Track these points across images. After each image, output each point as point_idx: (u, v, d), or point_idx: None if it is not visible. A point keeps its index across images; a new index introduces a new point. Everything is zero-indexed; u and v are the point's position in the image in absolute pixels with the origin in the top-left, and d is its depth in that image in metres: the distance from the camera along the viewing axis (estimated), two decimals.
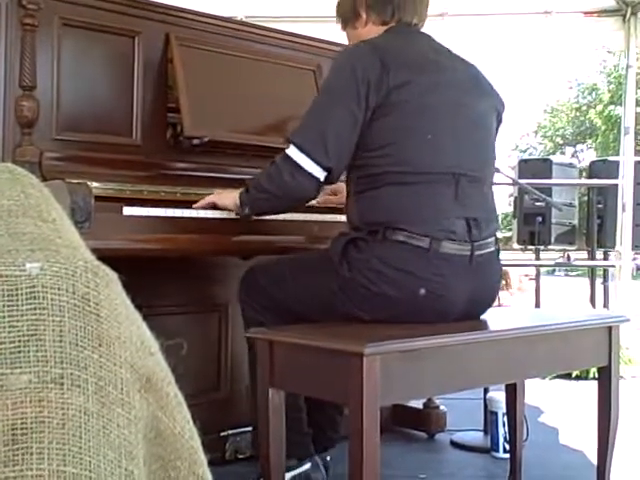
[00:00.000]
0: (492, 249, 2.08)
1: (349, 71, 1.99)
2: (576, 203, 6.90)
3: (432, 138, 2.00)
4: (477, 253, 2.00)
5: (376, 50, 2.02)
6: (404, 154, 1.99)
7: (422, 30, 2.25)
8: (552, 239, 6.58)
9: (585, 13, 5.60)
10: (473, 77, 2.19)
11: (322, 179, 2.03)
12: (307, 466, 2.22)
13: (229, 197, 2.18)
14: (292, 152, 2.01)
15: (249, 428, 2.56)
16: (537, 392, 3.93)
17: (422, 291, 1.93)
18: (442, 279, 1.95)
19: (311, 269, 2.13)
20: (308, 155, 1.99)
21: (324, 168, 2.01)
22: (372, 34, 2.16)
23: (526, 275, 12.20)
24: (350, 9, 2.23)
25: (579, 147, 33.26)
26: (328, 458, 2.35)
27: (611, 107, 27.74)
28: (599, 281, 6.75)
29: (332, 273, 2.01)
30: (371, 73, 1.97)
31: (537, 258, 6.96)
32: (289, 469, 2.14)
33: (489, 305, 2.15)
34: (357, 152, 2.03)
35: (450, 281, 1.96)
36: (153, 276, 2.39)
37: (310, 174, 2.00)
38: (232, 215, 2.21)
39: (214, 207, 2.21)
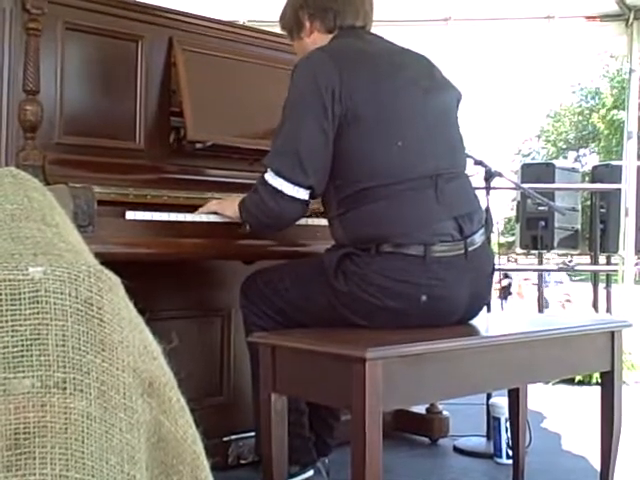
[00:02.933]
0: (482, 239, 2.08)
1: (311, 82, 1.99)
2: (579, 207, 6.89)
3: (402, 145, 1.99)
4: (470, 249, 2.00)
5: (332, 58, 2.03)
6: (377, 167, 1.98)
7: (372, 31, 2.25)
8: (555, 243, 6.58)
9: (587, 18, 5.60)
10: (428, 72, 2.18)
11: (307, 198, 2.02)
12: (310, 473, 2.21)
13: (231, 209, 2.16)
14: (270, 178, 2.00)
15: (252, 433, 2.56)
16: (540, 397, 3.92)
17: (424, 298, 1.93)
18: (442, 283, 1.95)
19: (308, 280, 2.11)
20: (286, 179, 1.98)
21: (306, 187, 2.00)
22: (319, 42, 2.17)
23: (526, 279, 12.20)
24: (293, 20, 2.26)
25: (582, 151, 33.29)
26: (327, 462, 2.35)
27: (614, 111, 27.77)
28: (602, 286, 6.74)
29: (329, 286, 2.01)
30: (333, 82, 1.97)
31: (540, 263, 6.96)
32: (292, 475, 2.13)
33: (488, 294, 2.16)
34: (331, 173, 2.02)
35: (450, 283, 1.97)
36: (156, 280, 2.39)
37: (292, 197, 2.00)
38: (235, 220, 2.21)
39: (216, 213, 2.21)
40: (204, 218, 2.19)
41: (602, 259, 6.76)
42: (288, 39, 2.37)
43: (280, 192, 1.99)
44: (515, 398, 2.41)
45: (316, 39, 2.20)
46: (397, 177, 1.97)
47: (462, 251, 1.98)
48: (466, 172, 2.20)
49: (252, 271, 2.32)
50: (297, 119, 2.02)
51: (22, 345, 0.65)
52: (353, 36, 2.17)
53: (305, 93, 2.01)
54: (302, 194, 2.00)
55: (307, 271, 2.16)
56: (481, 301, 2.12)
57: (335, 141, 1.99)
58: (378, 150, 1.98)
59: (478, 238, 2.05)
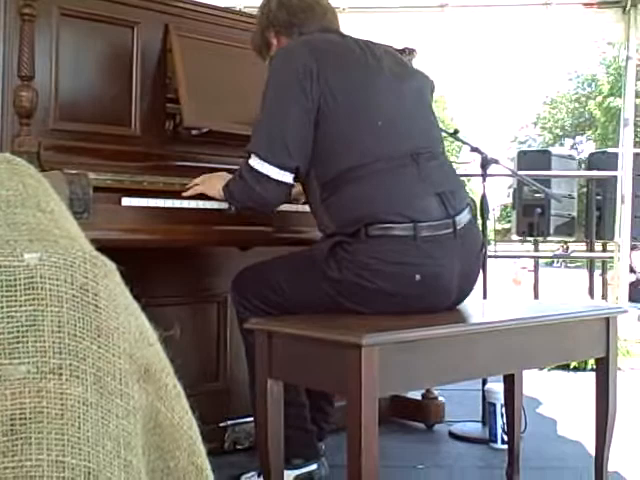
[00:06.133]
0: (469, 218, 2.10)
1: (290, 68, 2.04)
2: (575, 195, 6.91)
3: (382, 124, 2.03)
4: (459, 227, 2.02)
5: (306, 45, 2.09)
6: (358, 147, 2.01)
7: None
8: (551, 231, 6.59)
9: (585, 4, 5.58)
10: (397, 60, 2.24)
11: (292, 181, 2.05)
12: (313, 466, 2.22)
13: (215, 189, 2.18)
14: (255, 163, 2.03)
15: (248, 419, 2.57)
16: (535, 383, 3.94)
17: (417, 277, 1.94)
18: (434, 261, 1.97)
19: (300, 272, 2.12)
20: (272, 163, 2.01)
21: (291, 170, 2.03)
22: None
23: (524, 267, 12.19)
24: (262, 41, 2.33)
25: (578, 139, 33.32)
26: (323, 447, 2.36)
27: (610, 99, 27.78)
28: (597, 272, 6.76)
29: (321, 275, 2.01)
30: (310, 64, 2.02)
31: (536, 249, 6.97)
32: (295, 467, 2.15)
33: (477, 274, 2.18)
34: (312, 159, 2.05)
35: (442, 261, 1.98)
36: (152, 267, 2.40)
37: (278, 181, 2.03)
38: (219, 199, 2.20)
39: (203, 196, 2.21)
40: (200, 204, 2.19)
41: (598, 246, 6.77)
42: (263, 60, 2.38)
43: (266, 176, 2.02)
44: (510, 384, 2.42)
45: None
46: (378, 156, 2.00)
47: (450, 230, 2.00)
48: (444, 153, 2.22)
49: (247, 258, 2.32)
50: (279, 102, 2.05)
51: (17, 331, 0.65)
52: (320, 32, 2.23)
53: (285, 78, 2.05)
54: (287, 177, 2.04)
55: (299, 264, 2.15)
56: (472, 279, 2.14)
57: (316, 122, 2.02)
58: (358, 130, 2.02)
59: (465, 217, 2.07)
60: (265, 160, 2.01)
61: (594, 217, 6.44)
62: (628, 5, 5.47)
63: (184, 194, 2.20)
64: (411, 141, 2.06)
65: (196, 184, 2.22)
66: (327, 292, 2.01)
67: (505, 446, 2.61)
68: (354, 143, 2.01)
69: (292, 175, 2.04)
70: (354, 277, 1.95)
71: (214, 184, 2.19)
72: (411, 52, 3.06)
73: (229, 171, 2.43)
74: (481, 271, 2.23)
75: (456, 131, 3.24)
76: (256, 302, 2.16)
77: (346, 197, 2.00)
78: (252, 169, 2.03)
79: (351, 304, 1.99)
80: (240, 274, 2.25)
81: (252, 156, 2.04)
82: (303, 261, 2.13)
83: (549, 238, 6.86)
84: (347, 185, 1.99)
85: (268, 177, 2.01)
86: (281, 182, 2.03)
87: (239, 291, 2.22)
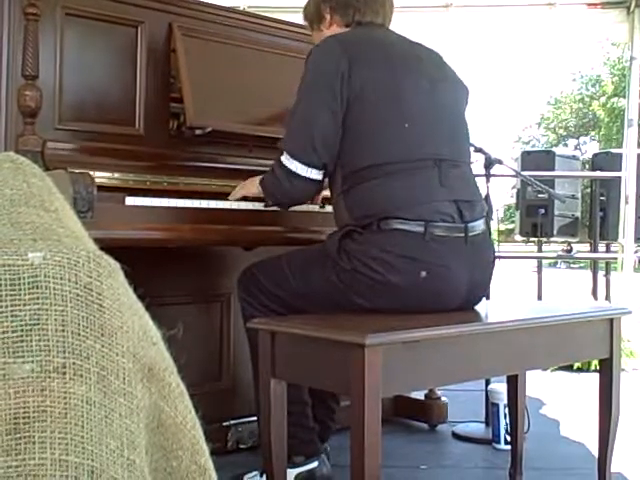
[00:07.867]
0: (483, 228, 2.12)
1: (322, 67, 2.08)
2: (579, 195, 6.88)
3: (409, 127, 2.05)
4: (471, 234, 2.04)
5: (342, 44, 2.10)
6: (384, 145, 2.04)
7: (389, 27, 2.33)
8: (554, 231, 6.57)
9: (589, 5, 5.57)
10: (439, 65, 2.25)
11: (320, 177, 2.10)
12: (314, 464, 2.22)
13: (254, 186, 2.25)
14: (285, 160, 2.09)
15: (251, 418, 2.57)
16: (538, 384, 3.93)
17: (423, 274, 1.95)
18: (441, 261, 1.98)
19: (309, 264, 2.13)
20: (300, 161, 2.07)
21: (319, 167, 2.07)
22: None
23: (511, 266, 12.13)
24: (315, 11, 2.33)
25: (582, 139, 33.24)
26: (328, 448, 2.35)
27: (614, 99, 27.70)
28: (601, 273, 6.74)
29: (331, 266, 2.03)
30: (342, 66, 2.04)
31: (539, 250, 6.96)
32: (296, 465, 2.15)
33: (487, 285, 2.19)
34: (339, 150, 2.07)
35: (449, 263, 1.99)
36: (155, 266, 2.39)
37: (306, 178, 2.08)
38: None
39: (245, 198, 2.30)
40: (204, 204, 2.19)
41: (602, 247, 6.76)
42: (308, 29, 2.42)
43: (294, 173, 2.08)
44: (514, 384, 2.42)
45: (334, 32, 2.25)
46: (402, 156, 2.03)
47: (462, 234, 2.01)
48: (469, 164, 2.23)
49: (251, 257, 2.32)
50: (308, 102, 2.09)
51: (22, 330, 0.65)
52: (368, 28, 2.25)
53: (316, 78, 2.09)
54: (315, 174, 2.08)
55: (307, 257, 2.17)
56: (482, 288, 2.14)
57: (345, 118, 2.05)
58: (386, 129, 2.05)
59: (479, 226, 2.08)
60: (293, 157, 2.07)
61: (598, 218, 6.42)
62: (632, 6, 5.45)
63: (229, 198, 2.29)
64: (435, 147, 2.08)
65: (238, 190, 2.31)
66: (333, 283, 2.03)
67: (508, 447, 2.61)
68: (380, 141, 2.04)
69: (320, 172, 2.09)
70: (361, 266, 1.97)
71: (253, 183, 2.26)
72: None
73: (233, 171, 2.44)
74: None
75: None
76: (262, 298, 2.16)
77: (365, 192, 2.03)
78: (282, 165, 2.10)
79: (355, 297, 2.00)
80: (246, 270, 2.26)
81: (284, 153, 2.10)
82: (312, 254, 2.15)
83: (552, 239, 6.84)
84: (368, 181, 2.03)
85: (296, 174, 2.08)
86: (309, 179, 2.08)
87: (245, 288, 2.22)
